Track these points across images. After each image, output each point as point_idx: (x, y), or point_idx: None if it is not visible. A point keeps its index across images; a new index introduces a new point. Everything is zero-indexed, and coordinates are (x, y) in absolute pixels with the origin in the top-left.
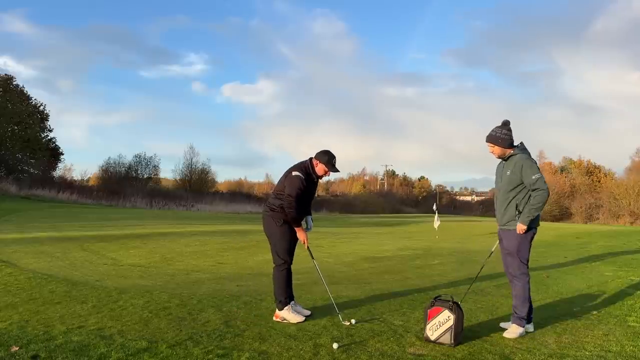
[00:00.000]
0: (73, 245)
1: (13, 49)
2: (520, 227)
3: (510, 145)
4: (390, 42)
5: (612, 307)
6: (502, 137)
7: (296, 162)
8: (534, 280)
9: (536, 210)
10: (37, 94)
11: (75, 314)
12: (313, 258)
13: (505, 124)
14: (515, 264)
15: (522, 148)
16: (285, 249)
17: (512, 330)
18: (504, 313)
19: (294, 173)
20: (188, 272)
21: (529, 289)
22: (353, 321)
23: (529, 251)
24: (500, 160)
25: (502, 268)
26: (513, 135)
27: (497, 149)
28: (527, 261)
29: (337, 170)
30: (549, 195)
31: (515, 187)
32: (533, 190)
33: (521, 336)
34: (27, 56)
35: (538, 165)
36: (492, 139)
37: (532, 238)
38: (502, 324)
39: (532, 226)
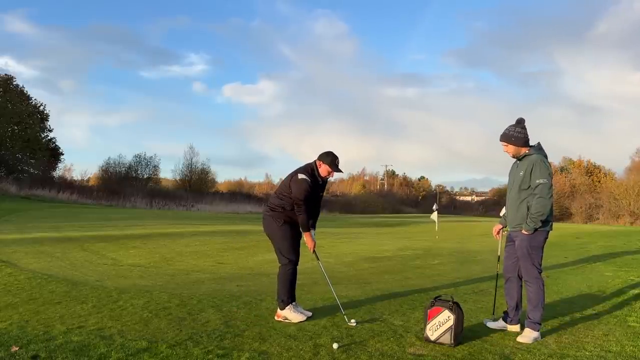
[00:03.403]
0: (73, 245)
1: (14, 49)
2: (525, 233)
3: (525, 144)
4: (390, 42)
5: (612, 307)
6: (515, 135)
7: (297, 163)
8: None
9: (538, 219)
10: (37, 94)
11: (75, 314)
12: (318, 259)
13: (519, 122)
14: (527, 268)
15: (538, 148)
16: (288, 248)
17: (526, 335)
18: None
19: (299, 176)
20: (188, 272)
21: (544, 293)
22: (353, 321)
23: (542, 254)
24: (515, 160)
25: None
26: (528, 134)
27: (511, 148)
28: (540, 265)
29: (340, 171)
30: (551, 204)
31: (528, 187)
32: (534, 195)
33: (536, 341)
34: (28, 56)
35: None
36: (505, 137)
37: (544, 240)
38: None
39: (545, 227)
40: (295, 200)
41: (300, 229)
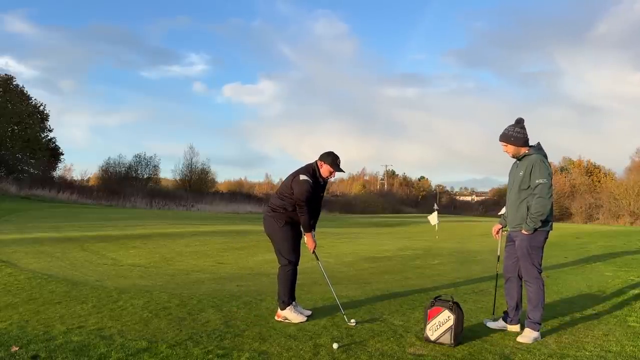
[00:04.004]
0: (73, 245)
1: (14, 49)
2: (524, 233)
3: (525, 144)
4: (390, 42)
5: (612, 307)
6: (514, 135)
7: (297, 163)
8: None
9: (537, 219)
10: (38, 94)
11: (75, 314)
12: (318, 260)
13: (519, 122)
14: (527, 268)
15: (538, 148)
16: (288, 249)
17: (526, 335)
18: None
19: (301, 177)
20: (188, 272)
21: (544, 293)
22: (353, 321)
23: (542, 254)
24: (515, 160)
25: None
26: (528, 134)
27: (511, 148)
28: (540, 265)
29: (341, 170)
30: (551, 205)
31: (527, 187)
32: (533, 195)
33: (536, 341)
34: (28, 56)
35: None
36: (504, 137)
37: (544, 240)
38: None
39: (545, 227)
40: (297, 201)
41: (302, 230)
